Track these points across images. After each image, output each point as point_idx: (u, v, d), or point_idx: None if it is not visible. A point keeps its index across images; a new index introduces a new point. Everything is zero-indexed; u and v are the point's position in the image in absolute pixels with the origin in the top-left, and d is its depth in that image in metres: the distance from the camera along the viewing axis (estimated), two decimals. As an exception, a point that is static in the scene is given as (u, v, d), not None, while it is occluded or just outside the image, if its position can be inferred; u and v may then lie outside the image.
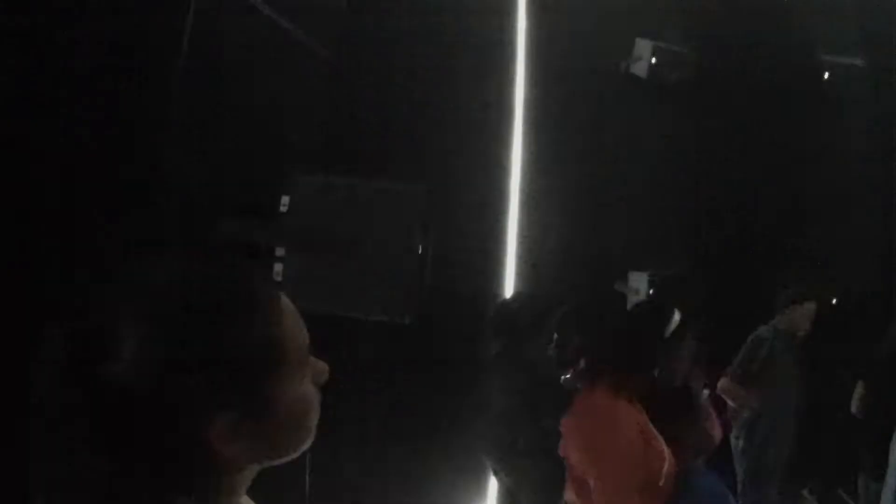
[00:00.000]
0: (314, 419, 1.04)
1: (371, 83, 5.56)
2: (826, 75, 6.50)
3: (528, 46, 6.06)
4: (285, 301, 1.02)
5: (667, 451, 2.66)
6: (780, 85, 6.46)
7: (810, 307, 5.49)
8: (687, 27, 6.32)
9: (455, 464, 5.31)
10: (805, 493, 6.35)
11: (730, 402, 5.22)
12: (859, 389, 5.39)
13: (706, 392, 4.89)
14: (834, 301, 6.29)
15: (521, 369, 4.06)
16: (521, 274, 5.89)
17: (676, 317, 2.82)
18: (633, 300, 5.68)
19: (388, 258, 4.51)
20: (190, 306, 0.93)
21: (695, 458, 2.83)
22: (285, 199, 4.44)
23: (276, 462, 1.02)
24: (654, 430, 2.69)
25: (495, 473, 4.49)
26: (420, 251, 4.58)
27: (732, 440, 5.34)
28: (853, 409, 5.42)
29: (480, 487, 5.60)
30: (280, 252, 4.33)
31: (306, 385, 1.02)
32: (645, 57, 6.02)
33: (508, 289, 5.86)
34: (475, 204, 5.79)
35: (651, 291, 5.64)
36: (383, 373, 5.28)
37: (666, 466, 2.63)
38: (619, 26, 6.21)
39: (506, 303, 4.75)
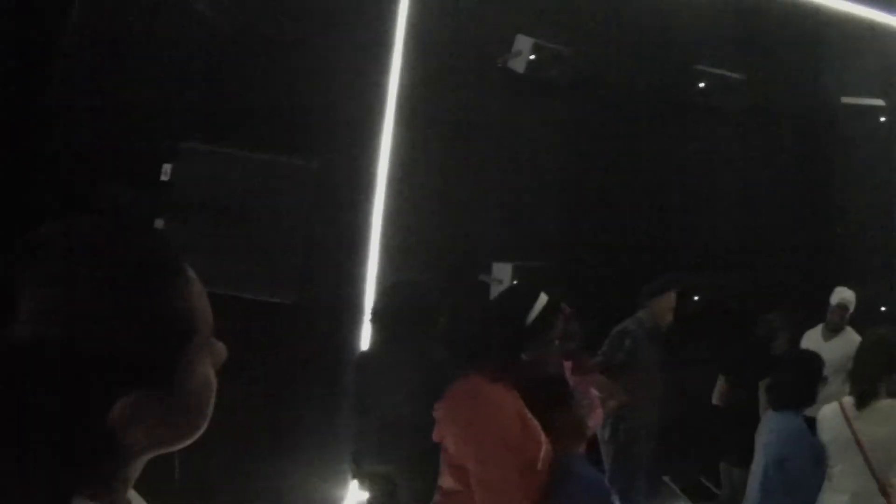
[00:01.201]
0: (212, 403, 0.98)
1: (255, 61, 5.50)
2: (701, 84, 6.91)
3: (407, 37, 6.06)
4: (192, 273, 0.97)
5: (543, 437, 2.71)
6: (655, 91, 6.82)
7: (670, 298, 5.68)
8: (569, 27, 6.52)
9: (317, 464, 5.36)
10: (667, 479, 6.71)
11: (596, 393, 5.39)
12: (720, 382, 5.79)
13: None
14: (696, 297, 6.71)
15: (416, 367, 4.06)
16: (387, 262, 5.89)
17: (542, 301, 2.85)
18: (497, 290, 5.77)
19: (274, 234, 4.46)
20: (96, 272, 0.87)
21: (573, 446, 2.90)
22: (167, 168, 4.36)
23: (170, 449, 0.96)
24: (531, 416, 2.72)
25: (372, 477, 4.48)
26: (307, 229, 4.54)
27: (599, 429, 5.50)
28: (714, 400, 5.80)
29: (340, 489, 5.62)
30: (159, 224, 4.21)
31: (207, 366, 0.97)
32: (524, 52, 6.13)
33: (372, 277, 5.86)
34: (344, 189, 5.80)
35: (514, 283, 5.68)
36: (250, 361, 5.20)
37: (543, 452, 2.69)
38: (502, 22, 6.34)
39: (389, 293, 4.74)
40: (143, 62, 4.85)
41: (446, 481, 2.78)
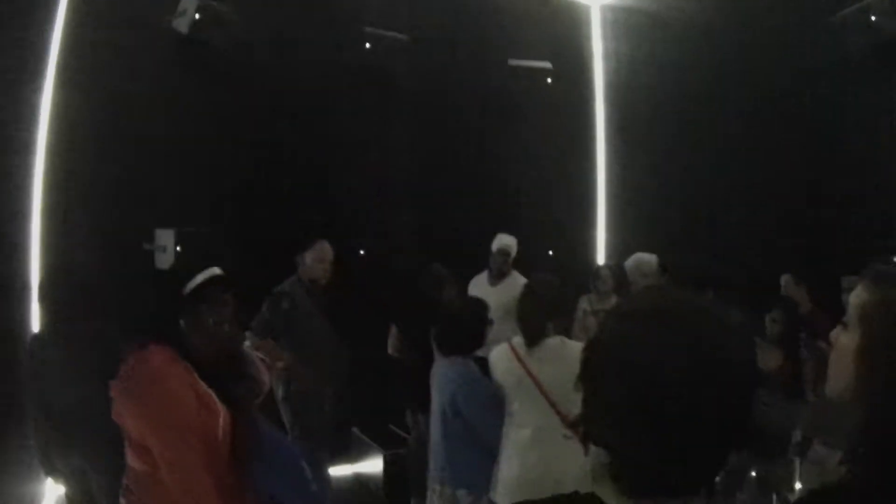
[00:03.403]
0: None
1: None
2: (367, 45, 7.06)
3: None
4: None
5: (220, 406, 2.70)
6: (323, 52, 6.86)
7: (321, 249, 5.62)
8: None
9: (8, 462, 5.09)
10: (356, 430, 6.89)
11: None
12: (393, 332, 5.96)
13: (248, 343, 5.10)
14: (362, 252, 6.87)
15: (91, 347, 3.96)
16: (50, 238, 5.61)
17: (207, 273, 2.82)
18: (161, 257, 5.67)
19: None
20: None
21: (251, 409, 2.92)
22: None
23: None
24: (205, 387, 2.70)
25: (64, 470, 4.26)
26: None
27: (275, 391, 5.47)
28: (389, 350, 5.97)
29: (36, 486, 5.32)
30: None
31: None
32: (189, 12, 5.94)
33: (36, 255, 5.56)
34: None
35: (178, 248, 5.63)
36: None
37: (222, 421, 2.68)
38: None
39: (53, 273, 4.49)
40: None
41: (133, 461, 2.70)
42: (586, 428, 1.25)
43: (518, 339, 3.98)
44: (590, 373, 1.24)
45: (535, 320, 3.91)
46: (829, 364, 1.58)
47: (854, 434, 1.40)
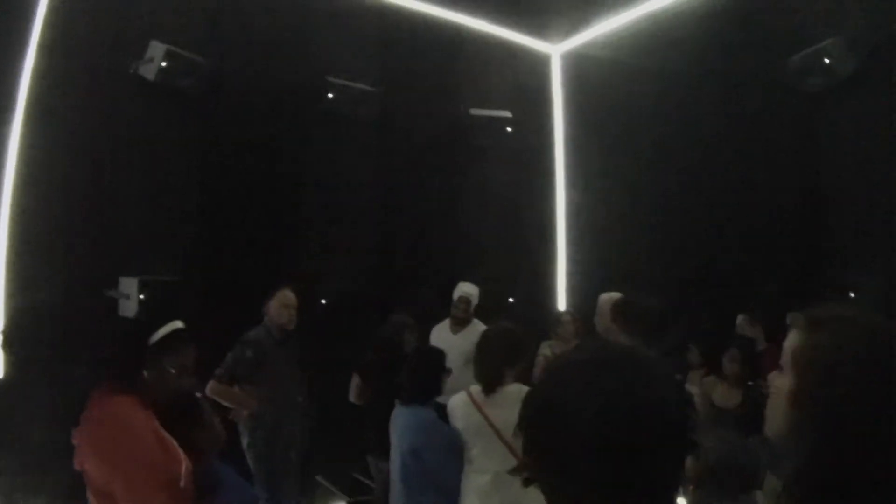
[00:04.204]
0: None
1: None
2: (330, 95, 7.16)
3: (41, 41, 5.72)
4: None
5: (181, 454, 2.72)
6: (287, 101, 6.96)
7: (283, 296, 5.66)
8: (202, 34, 6.47)
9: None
10: (320, 478, 6.82)
11: (223, 403, 5.24)
12: (355, 379, 5.91)
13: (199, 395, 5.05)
14: (323, 301, 6.89)
15: (58, 390, 3.92)
16: (15, 282, 5.51)
17: (171, 326, 2.87)
18: (125, 306, 5.63)
19: None
20: None
21: (208, 454, 2.95)
22: None
23: None
24: (167, 434, 2.73)
25: None
26: None
27: (242, 437, 5.47)
28: (351, 398, 5.91)
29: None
30: None
31: None
32: (156, 60, 6.00)
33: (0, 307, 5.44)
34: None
35: (141, 297, 5.60)
36: None
37: (184, 468, 2.70)
38: (136, 27, 6.15)
39: (21, 315, 4.48)
40: None
41: (94, 509, 2.70)
42: (529, 474, 1.35)
43: (476, 387, 4.01)
44: (527, 420, 1.35)
45: (493, 368, 3.96)
46: (768, 405, 1.66)
47: (789, 474, 1.48)
